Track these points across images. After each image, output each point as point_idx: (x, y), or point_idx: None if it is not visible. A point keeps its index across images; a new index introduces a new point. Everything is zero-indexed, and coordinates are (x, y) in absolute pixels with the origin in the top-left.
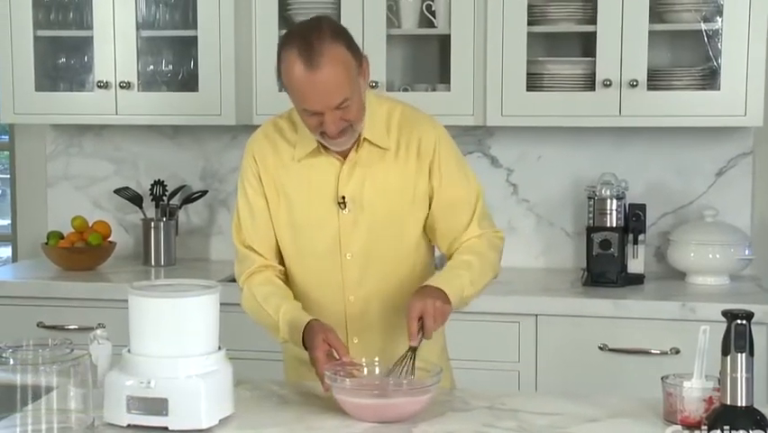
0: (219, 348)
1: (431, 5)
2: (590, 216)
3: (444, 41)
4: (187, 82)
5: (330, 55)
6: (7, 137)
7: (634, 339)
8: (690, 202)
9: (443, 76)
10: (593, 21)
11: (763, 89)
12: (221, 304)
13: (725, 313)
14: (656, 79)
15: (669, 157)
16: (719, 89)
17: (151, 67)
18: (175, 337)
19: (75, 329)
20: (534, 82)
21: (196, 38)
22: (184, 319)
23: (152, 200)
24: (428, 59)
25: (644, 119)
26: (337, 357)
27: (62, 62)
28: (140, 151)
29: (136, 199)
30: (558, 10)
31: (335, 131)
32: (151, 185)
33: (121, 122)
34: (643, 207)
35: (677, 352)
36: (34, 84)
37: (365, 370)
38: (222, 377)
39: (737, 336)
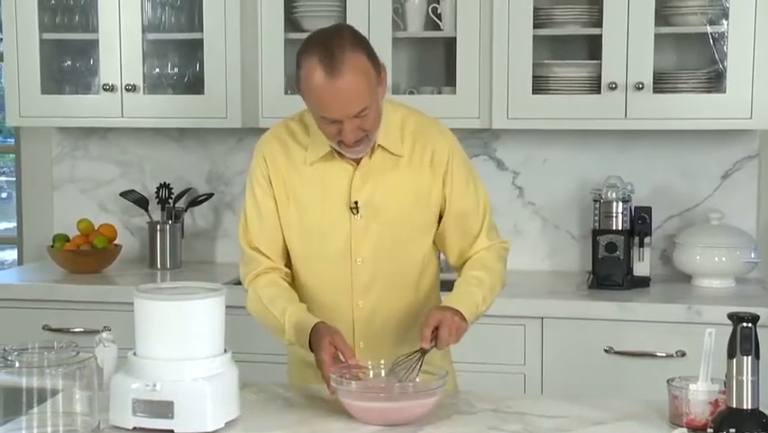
0: (225, 351)
1: (437, 8)
2: (596, 218)
3: (450, 43)
4: (193, 85)
5: (350, 63)
6: (13, 140)
7: (639, 342)
8: (696, 205)
9: (448, 79)
10: (599, 24)
11: None
12: (226, 307)
13: (730, 316)
14: (662, 82)
15: (674, 160)
16: (725, 92)
17: (157, 70)
18: (181, 340)
19: (80, 332)
20: (539, 85)
21: (201, 41)
22: (190, 322)
23: (158, 203)
24: (434, 62)
25: (650, 122)
26: (343, 360)
27: (68, 65)
28: (145, 153)
29: (142, 202)
30: (564, 13)
31: (353, 140)
32: (157, 188)
33: (126, 125)
34: (648, 210)
35: (683, 355)
36: (40, 87)
37: (371, 373)
38: (227, 380)
39: (743, 338)
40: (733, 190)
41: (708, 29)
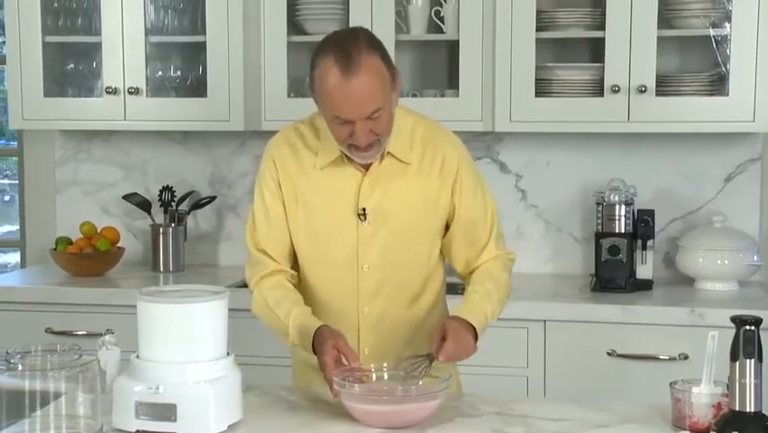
0: (228, 354)
1: (439, 11)
2: (599, 221)
3: (453, 46)
4: (196, 88)
5: (366, 64)
6: (16, 143)
7: (642, 345)
8: (699, 208)
9: (451, 82)
10: (602, 27)
11: None
12: (229, 310)
13: (733, 319)
14: (665, 85)
15: (677, 163)
16: (728, 95)
17: (160, 73)
18: (183, 343)
19: (83, 335)
20: (542, 88)
21: (204, 44)
22: (192, 325)
23: (161, 206)
24: (437, 65)
25: (653, 125)
26: (346, 363)
27: (71, 68)
28: (148, 156)
29: (145, 205)
30: (567, 16)
31: (365, 142)
32: (160, 191)
33: (129, 128)
34: (651, 213)
35: (686, 357)
36: (43, 90)
37: (374, 376)
38: (230, 383)
39: (746, 341)
40: (736, 193)
41: (711, 32)
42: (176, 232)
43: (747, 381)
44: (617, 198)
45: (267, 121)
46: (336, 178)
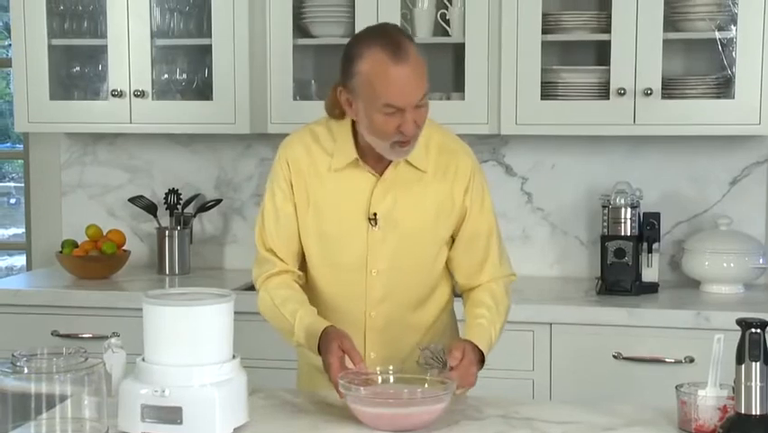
0: (233, 357)
1: (445, 14)
2: (605, 224)
3: (459, 49)
4: (202, 91)
5: (412, 50)
6: (22, 146)
7: (648, 348)
8: (705, 211)
9: (457, 84)
10: (607, 29)
11: None
12: (235, 312)
13: (739, 322)
14: (670, 88)
15: (683, 166)
16: (734, 98)
17: (166, 75)
18: (189, 346)
19: (89, 338)
20: (548, 91)
21: (210, 46)
22: (198, 328)
23: (167, 209)
24: (443, 68)
25: (659, 128)
26: (352, 365)
27: (76, 71)
28: (154, 159)
29: (150, 208)
30: (572, 19)
31: (413, 130)
32: (166, 194)
33: (135, 130)
34: (657, 216)
35: (691, 361)
36: (48, 93)
37: (379, 379)
38: (236, 386)
39: (752, 344)
40: (742, 196)
41: (717, 35)
42: (181, 235)
43: (753, 384)
44: (622, 201)
45: (273, 124)
46: (350, 181)
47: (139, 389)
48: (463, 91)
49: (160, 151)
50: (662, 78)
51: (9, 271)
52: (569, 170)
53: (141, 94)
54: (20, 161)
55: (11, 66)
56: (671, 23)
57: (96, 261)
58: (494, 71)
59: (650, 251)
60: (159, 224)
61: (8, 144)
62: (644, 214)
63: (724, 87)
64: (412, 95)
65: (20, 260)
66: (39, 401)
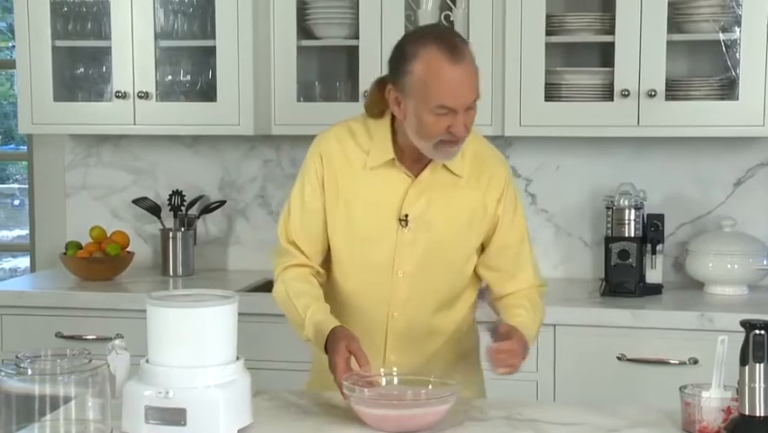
0: (237, 358)
1: (449, 15)
2: (609, 226)
3: None
4: (206, 92)
5: (467, 52)
6: (26, 147)
7: (652, 349)
8: (709, 212)
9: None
10: (611, 31)
11: None
12: (239, 314)
13: (743, 323)
14: (674, 89)
15: (687, 167)
16: (738, 99)
17: (170, 77)
18: (193, 347)
19: (93, 339)
20: (552, 92)
21: (214, 48)
22: (202, 329)
23: (171, 210)
24: None
25: (663, 129)
26: (358, 367)
27: (80, 72)
28: (158, 161)
29: (154, 209)
30: (576, 20)
31: (464, 132)
32: (170, 195)
33: (139, 132)
34: (661, 217)
35: (695, 362)
36: (52, 94)
37: (383, 380)
38: (240, 387)
39: (756, 346)
40: (745, 198)
41: (721, 36)
42: (185, 236)
43: (757, 385)
44: (626, 203)
45: (276, 125)
46: (383, 180)
47: (143, 390)
48: None
49: (164, 152)
50: (666, 80)
51: (13, 272)
52: (573, 171)
53: (145, 95)
54: (24, 162)
55: (15, 67)
56: (675, 24)
57: (99, 262)
58: (498, 73)
59: (654, 252)
60: (162, 225)
61: (12, 146)
62: (648, 215)
63: (728, 89)
64: (465, 96)
65: (24, 261)
66: (43, 403)
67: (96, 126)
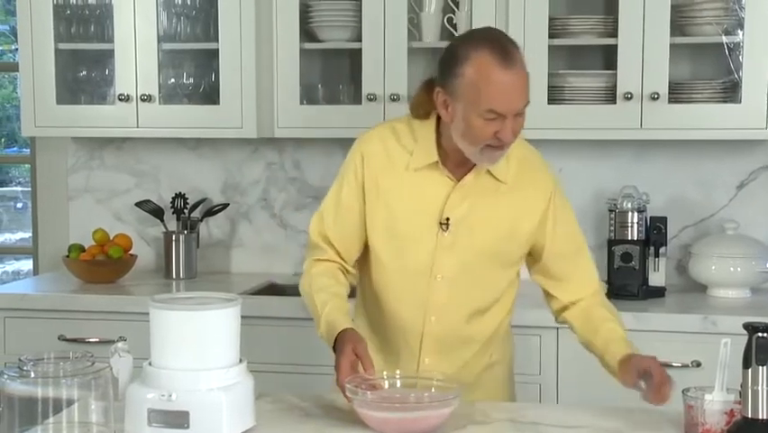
0: (240, 361)
1: (452, 18)
2: (611, 228)
3: None
4: (209, 95)
5: (520, 58)
6: (28, 150)
7: (655, 352)
8: (712, 215)
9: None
10: (614, 34)
11: None
12: (242, 317)
13: (746, 326)
14: (677, 92)
15: (690, 170)
16: (740, 102)
17: (173, 80)
18: (196, 350)
19: (96, 342)
20: (555, 95)
21: (217, 51)
22: (205, 332)
23: (173, 213)
24: None
25: (666, 132)
26: (363, 370)
27: (83, 75)
28: (161, 164)
29: (157, 212)
30: (579, 23)
31: (512, 138)
32: (172, 198)
33: (142, 135)
34: (664, 220)
35: (698, 365)
36: (55, 97)
37: (386, 383)
38: (243, 390)
39: (759, 348)
40: (748, 200)
41: (724, 39)
42: (188, 239)
43: (760, 388)
44: (629, 206)
45: (279, 128)
46: (426, 182)
47: (146, 393)
48: None
49: (167, 155)
50: (669, 83)
51: (16, 275)
52: (576, 174)
53: (147, 98)
54: (27, 165)
55: (18, 70)
56: (677, 27)
57: (102, 265)
58: None
59: (657, 255)
60: (165, 228)
61: (15, 149)
62: (650, 218)
63: (731, 92)
64: (516, 102)
65: (27, 264)
66: (45, 406)
67: (98, 129)
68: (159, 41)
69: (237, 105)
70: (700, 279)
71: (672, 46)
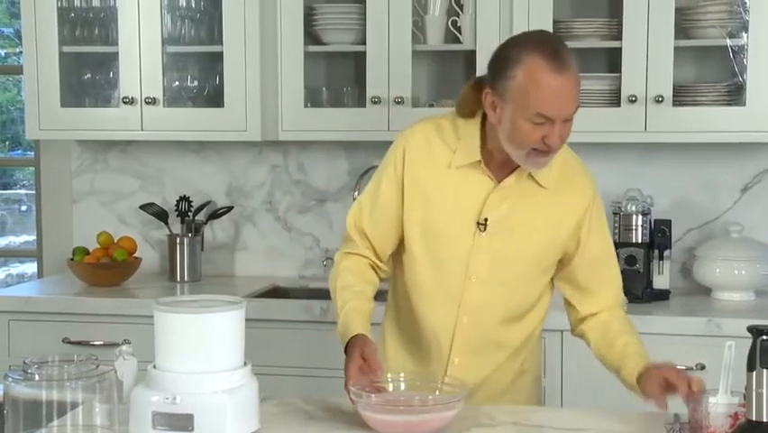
0: (245, 364)
1: (456, 21)
2: (616, 231)
3: (470, 56)
4: (213, 98)
5: (572, 63)
6: (33, 153)
7: (659, 355)
8: (716, 218)
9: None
10: (619, 37)
11: None
12: (246, 319)
13: (750, 329)
14: (682, 95)
15: (694, 173)
16: (745, 105)
17: (177, 82)
18: (200, 353)
19: (100, 345)
20: None
21: (221, 53)
22: (209, 335)
23: (178, 216)
24: (454, 75)
25: (670, 135)
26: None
27: (88, 78)
28: (165, 166)
29: (161, 215)
30: (583, 26)
31: (559, 143)
32: (177, 201)
33: (146, 137)
34: (668, 223)
35: (703, 368)
36: (60, 100)
37: (390, 386)
38: (247, 393)
39: (763, 351)
40: (753, 203)
41: (728, 42)
42: (192, 242)
43: (764, 390)
44: (633, 208)
45: (284, 131)
46: (467, 181)
47: (150, 396)
48: None
49: (172, 158)
50: (674, 86)
51: (20, 278)
52: None
53: (152, 101)
54: (31, 168)
55: (22, 73)
56: (682, 30)
57: (107, 268)
58: None
59: (661, 258)
60: (170, 231)
61: (19, 152)
62: (655, 221)
63: (735, 95)
64: (566, 107)
65: (31, 267)
66: (50, 409)
67: (103, 132)
68: (163, 44)
69: (241, 107)
70: (705, 282)
71: (677, 49)
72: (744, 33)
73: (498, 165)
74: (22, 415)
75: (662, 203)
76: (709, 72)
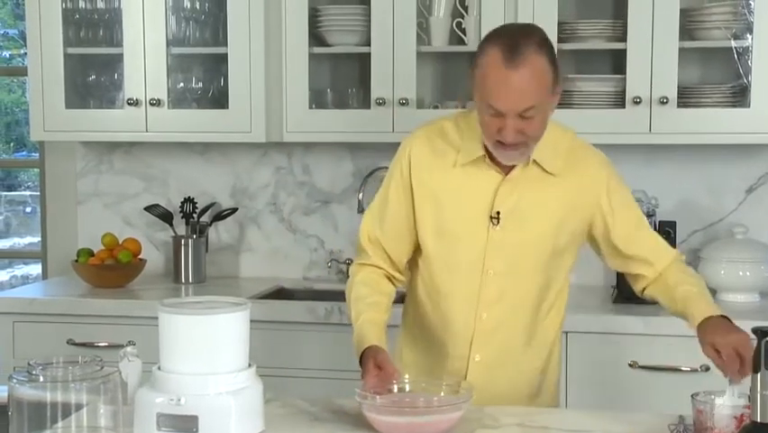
0: (249, 365)
1: (461, 23)
2: None
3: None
4: (218, 99)
5: (530, 60)
6: (37, 154)
7: (664, 356)
8: (721, 219)
9: (473, 93)
10: (623, 38)
11: None
12: (251, 321)
13: (755, 330)
14: (686, 97)
15: (699, 174)
16: (749, 107)
17: (181, 84)
18: (205, 354)
19: (105, 346)
20: (563, 99)
21: (226, 55)
22: (214, 336)
23: (182, 217)
24: (459, 77)
25: (675, 136)
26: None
27: (92, 79)
28: (170, 168)
29: (166, 217)
30: (588, 27)
31: (511, 140)
32: (181, 202)
33: (151, 139)
34: (673, 225)
35: (707, 369)
36: (64, 101)
37: (395, 387)
38: (252, 394)
39: None
40: (757, 205)
41: (733, 43)
42: (197, 243)
43: None
44: None
45: (288, 133)
46: (474, 177)
47: (154, 397)
48: None
49: (176, 159)
50: (678, 87)
51: (25, 279)
52: None
53: (156, 102)
54: (36, 169)
55: (27, 74)
56: (686, 31)
57: (111, 269)
58: None
59: None
60: (174, 232)
61: (24, 153)
62: (659, 222)
63: (740, 96)
64: (514, 102)
65: (36, 268)
66: (54, 410)
67: (107, 133)
68: (168, 46)
69: (246, 109)
70: (710, 283)
71: (681, 50)
72: (748, 35)
73: None
74: (27, 416)
75: (667, 204)
76: (714, 74)
